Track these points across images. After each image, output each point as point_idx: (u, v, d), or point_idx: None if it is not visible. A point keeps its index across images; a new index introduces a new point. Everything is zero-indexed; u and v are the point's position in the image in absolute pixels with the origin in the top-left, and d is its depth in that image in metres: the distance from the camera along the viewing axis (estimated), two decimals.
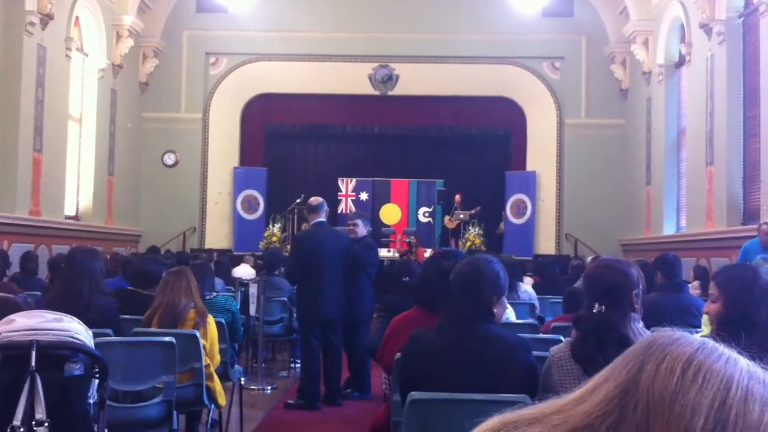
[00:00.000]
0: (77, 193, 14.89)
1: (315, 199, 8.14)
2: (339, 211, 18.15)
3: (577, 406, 0.99)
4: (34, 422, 3.26)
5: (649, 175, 15.68)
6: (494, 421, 1.02)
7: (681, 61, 14.63)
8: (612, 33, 17.10)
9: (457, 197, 17.54)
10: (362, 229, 8.20)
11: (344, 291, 7.75)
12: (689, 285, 7.07)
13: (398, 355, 3.67)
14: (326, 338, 7.74)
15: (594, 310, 2.99)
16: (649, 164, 15.70)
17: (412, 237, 16.14)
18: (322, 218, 7.95)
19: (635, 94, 16.82)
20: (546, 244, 17.63)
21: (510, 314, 5.42)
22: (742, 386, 0.96)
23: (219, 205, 17.86)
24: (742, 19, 12.06)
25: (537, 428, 0.99)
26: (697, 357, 0.98)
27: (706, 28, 12.54)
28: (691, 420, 0.93)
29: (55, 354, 3.46)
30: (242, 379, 6.85)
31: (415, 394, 3.12)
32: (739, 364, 0.99)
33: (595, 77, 17.56)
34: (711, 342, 1.02)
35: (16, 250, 10.74)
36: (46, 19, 12.21)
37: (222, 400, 5.31)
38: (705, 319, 4.57)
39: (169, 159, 17.63)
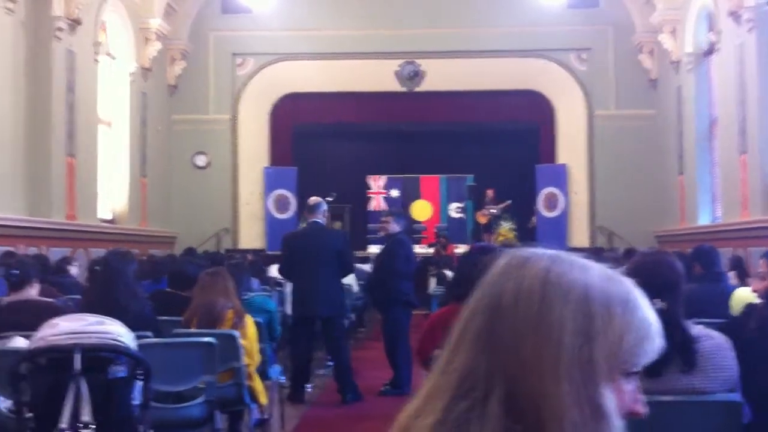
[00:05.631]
0: (112, 196, 15.00)
1: (313, 200, 8.23)
2: (370, 209, 18.17)
3: (442, 377, 1.05)
4: (80, 424, 3.30)
5: (682, 165, 15.52)
6: (399, 420, 1.05)
7: (710, 50, 14.46)
8: (639, 22, 16.93)
9: (489, 192, 17.47)
10: (394, 226, 8.24)
11: (334, 288, 7.81)
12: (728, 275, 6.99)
13: (436, 351, 3.68)
14: (328, 335, 7.82)
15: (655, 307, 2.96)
16: (681, 154, 15.54)
17: (442, 237, 16.22)
18: (318, 219, 8.00)
19: (664, 83, 16.65)
20: (579, 236, 17.49)
21: None
22: (601, 290, 0.97)
23: (251, 205, 17.91)
24: None
25: (439, 402, 1.02)
26: (553, 270, 0.99)
27: (734, 15, 12.38)
28: (560, 336, 0.94)
29: (99, 357, 3.50)
30: (281, 377, 6.89)
31: None
32: (593, 269, 0.99)
33: (623, 68, 17.40)
34: (561, 252, 1.03)
35: (53, 255, 10.84)
36: (74, 24, 12.29)
37: (263, 399, 5.36)
38: (738, 301, 4.54)
39: (200, 160, 17.70)
